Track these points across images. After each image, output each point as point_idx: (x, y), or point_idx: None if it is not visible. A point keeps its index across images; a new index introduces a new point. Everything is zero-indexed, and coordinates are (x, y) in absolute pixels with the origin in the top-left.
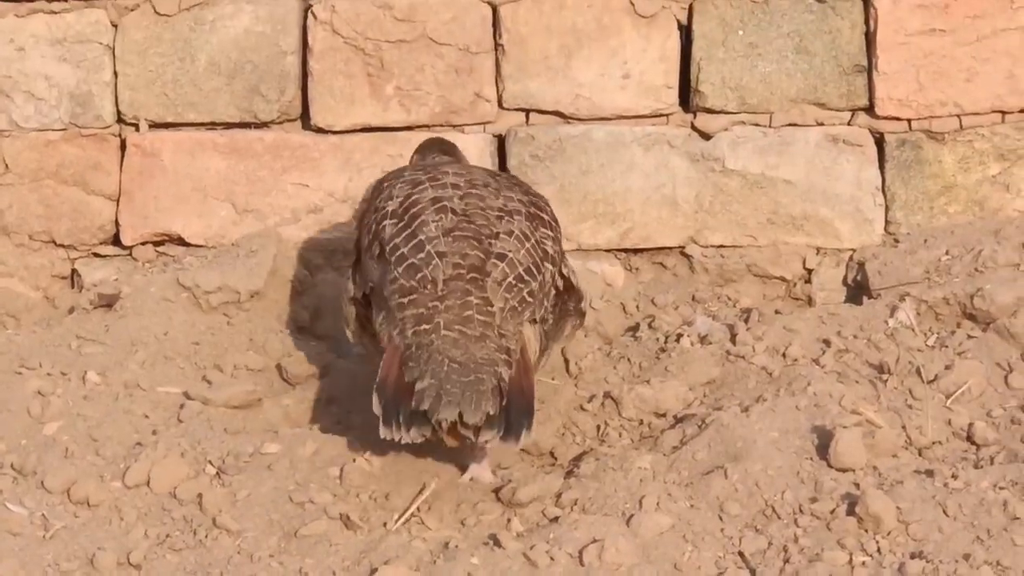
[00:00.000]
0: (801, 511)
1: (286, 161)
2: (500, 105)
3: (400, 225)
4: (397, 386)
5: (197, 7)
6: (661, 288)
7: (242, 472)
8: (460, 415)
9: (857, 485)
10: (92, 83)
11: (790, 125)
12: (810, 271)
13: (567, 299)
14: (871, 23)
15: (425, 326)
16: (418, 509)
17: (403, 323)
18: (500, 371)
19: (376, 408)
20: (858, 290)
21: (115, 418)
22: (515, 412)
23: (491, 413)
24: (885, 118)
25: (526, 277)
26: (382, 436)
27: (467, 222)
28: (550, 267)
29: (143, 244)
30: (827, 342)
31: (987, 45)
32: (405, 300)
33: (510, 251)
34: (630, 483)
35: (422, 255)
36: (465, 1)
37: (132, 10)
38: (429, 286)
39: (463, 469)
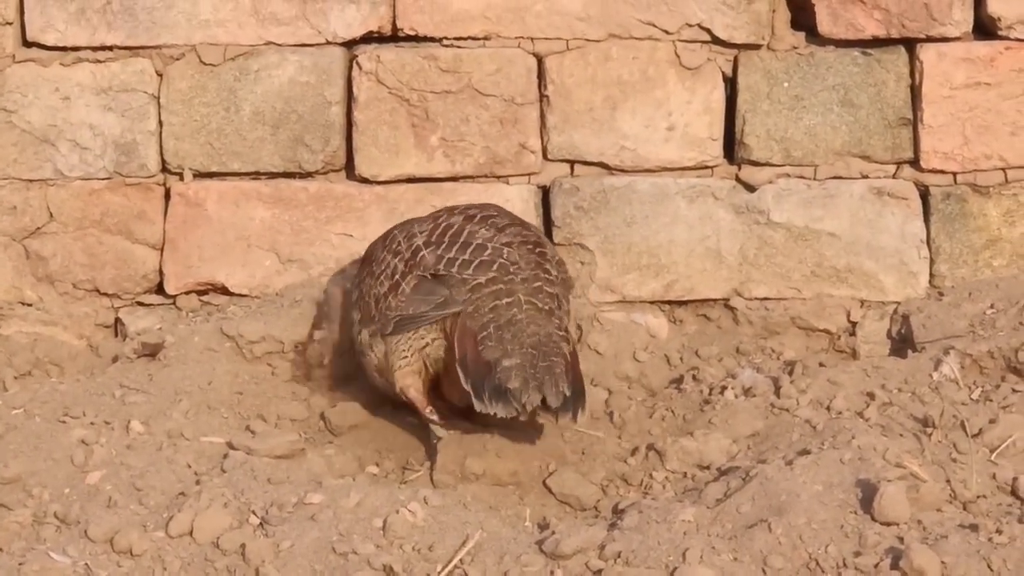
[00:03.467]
0: (845, 565)
1: (330, 211)
2: (545, 156)
3: (444, 245)
4: (476, 363)
5: (242, 57)
6: (705, 340)
7: (285, 522)
8: (543, 400)
9: (901, 539)
10: (137, 132)
11: (835, 178)
12: (854, 324)
13: None
14: (916, 76)
15: (506, 300)
16: (461, 561)
17: (478, 303)
18: (564, 349)
19: (465, 384)
20: (902, 343)
21: (158, 467)
22: (573, 391)
23: (567, 395)
24: (930, 171)
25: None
26: (477, 410)
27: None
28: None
29: (187, 293)
30: (871, 395)
31: None
32: (483, 279)
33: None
34: (674, 536)
35: (489, 250)
36: (510, 52)
37: (177, 59)
38: (511, 267)
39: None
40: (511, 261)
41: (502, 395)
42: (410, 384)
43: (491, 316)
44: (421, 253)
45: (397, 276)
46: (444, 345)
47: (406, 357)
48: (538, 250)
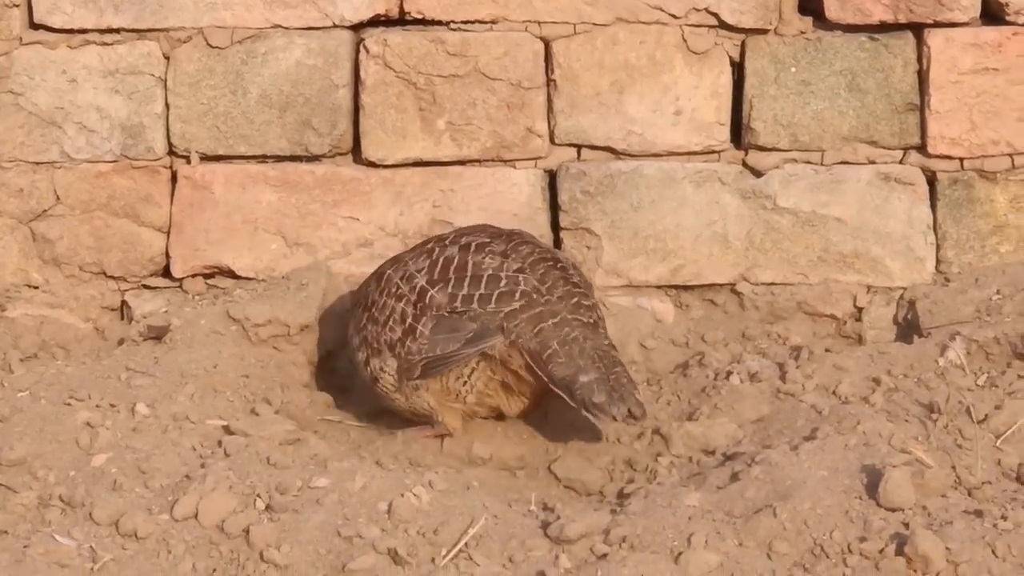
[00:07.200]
0: (850, 550)
1: (337, 195)
2: (552, 140)
3: (452, 282)
4: (552, 381)
5: (249, 40)
6: (711, 325)
7: (290, 506)
8: (629, 411)
9: (906, 525)
10: (144, 115)
11: (842, 163)
12: (860, 309)
13: None
14: (924, 61)
15: (552, 321)
16: (466, 545)
17: (519, 329)
18: (620, 358)
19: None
20: (908, 329)
21: (164, 450)
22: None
23: (643, 405)
24: (937, 156)
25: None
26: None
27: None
28: None
29: (193, 276)
30: (877, 381)
31: None
32: (517, 306)
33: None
34: (678, 520)
35: (504, 280)
36: (517, 36)
37: (184, 42)
38: (533, 293)
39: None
40: (531, 288)
41: (590, 408)
42: (457, 426)
43: (544, 337)
44: (429, 293)
45: (409, 320)
46: (487, 376)
47: (450, 397)
48: (559, 264)
